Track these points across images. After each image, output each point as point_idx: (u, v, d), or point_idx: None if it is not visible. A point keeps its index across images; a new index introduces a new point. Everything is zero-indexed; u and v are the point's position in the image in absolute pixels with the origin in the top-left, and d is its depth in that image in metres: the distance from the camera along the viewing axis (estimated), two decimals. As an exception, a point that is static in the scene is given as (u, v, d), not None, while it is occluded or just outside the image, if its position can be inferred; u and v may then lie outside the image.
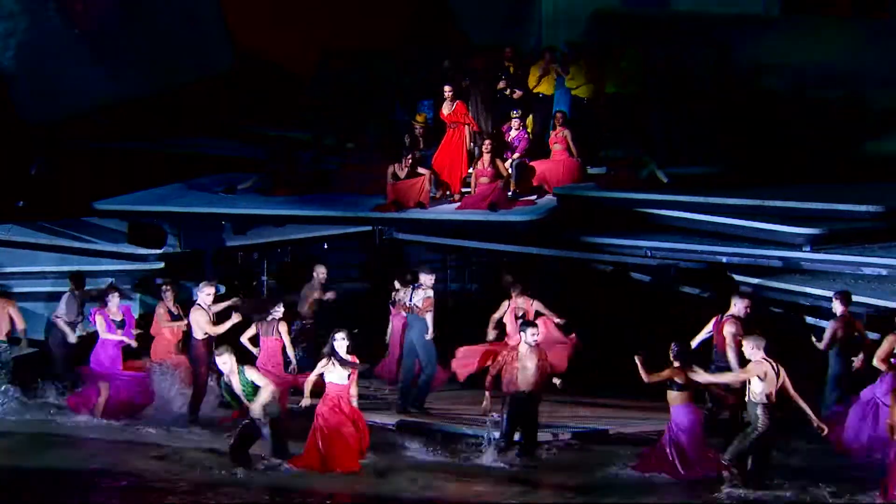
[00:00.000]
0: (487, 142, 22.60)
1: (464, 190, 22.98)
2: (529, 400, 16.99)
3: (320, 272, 20.78)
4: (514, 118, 23.15)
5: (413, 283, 19.56)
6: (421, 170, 22.76)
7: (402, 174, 22.65)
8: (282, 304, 18.90)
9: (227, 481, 15.91)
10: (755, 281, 20.53)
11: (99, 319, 19.12)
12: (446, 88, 23.16)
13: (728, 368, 16.82)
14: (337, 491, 15.71)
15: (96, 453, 17.25)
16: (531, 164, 23.05)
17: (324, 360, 16.52)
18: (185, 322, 19.07)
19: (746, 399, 15.40)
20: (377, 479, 16.14)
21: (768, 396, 15.19)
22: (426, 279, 19.42)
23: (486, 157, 22.53)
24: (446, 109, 23.23)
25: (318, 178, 24.03)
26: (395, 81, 25.68)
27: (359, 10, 27.07)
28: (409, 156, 22.71)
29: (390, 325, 20.49)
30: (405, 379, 19.53)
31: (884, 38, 24.64)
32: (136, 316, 20.00)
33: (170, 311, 19.24)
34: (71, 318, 20.00)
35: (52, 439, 17.81)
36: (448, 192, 23.07)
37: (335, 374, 16.46)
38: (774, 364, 15.28)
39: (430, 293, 19.34)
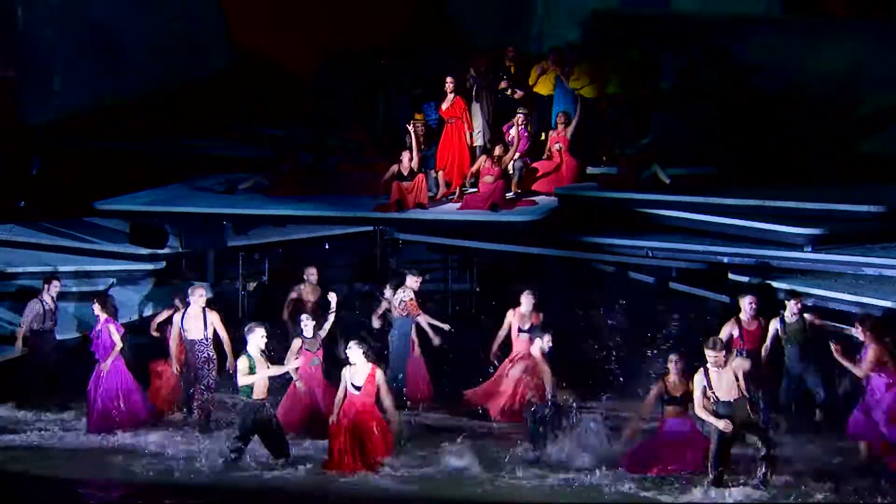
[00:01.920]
0: (499, 147, 22.61)
1: (465, 189, 23.02)
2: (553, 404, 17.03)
3: (310, 273, 20.72)
4: (520, 113, 23.14)
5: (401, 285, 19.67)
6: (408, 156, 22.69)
7: (405, 172, 22.64)
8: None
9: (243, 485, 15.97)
10: (756, 281, 20.54)
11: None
12: (448, 80, 23.14)
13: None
14: (355, 493, 15.77)
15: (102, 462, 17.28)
16: (532, 164, 23.09)
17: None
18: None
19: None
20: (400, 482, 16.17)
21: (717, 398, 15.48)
22: (411, 282, 19.49)
23: (497, 155, 22.53)
24: (445, 104, 23.24)
25: (319, 178, 24.02)
26: (395, 81, 25.69)
27: (359, 10, 27.06)
28: (409, 155, 22.70)
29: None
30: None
31: (884, 38, 24.67)
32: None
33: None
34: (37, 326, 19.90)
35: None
36: (449, 191, 23.09)
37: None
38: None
39: (410, 295, 19.41)
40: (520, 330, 19.20)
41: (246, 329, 16.80)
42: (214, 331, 18.76)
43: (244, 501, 15.67)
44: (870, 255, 20.41)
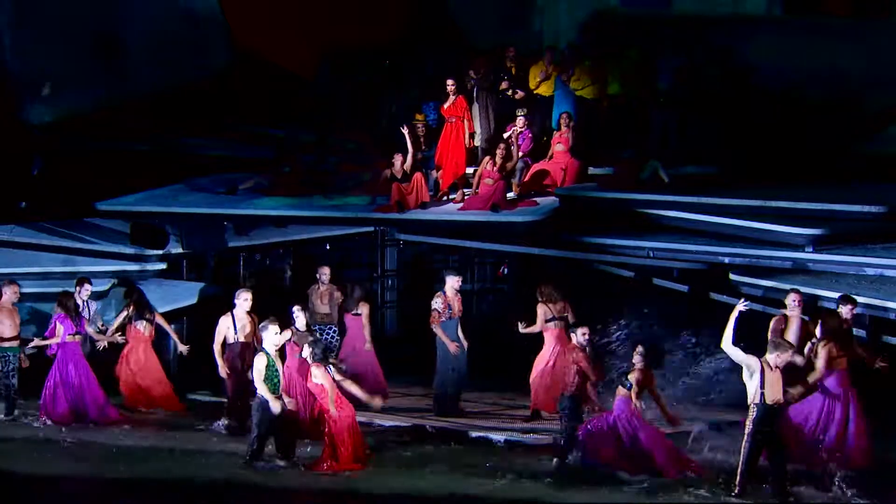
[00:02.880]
0: (502, 145, 22.58)
1: (466, 190, 22.99)
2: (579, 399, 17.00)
3: (323, 273, 20.57)
4: (520, 116, 23.17)
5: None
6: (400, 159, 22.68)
7: (398, 175, 22.61)
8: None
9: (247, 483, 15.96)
10: (758, 282, 20.56)
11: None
12: (449, 82, 23.13)
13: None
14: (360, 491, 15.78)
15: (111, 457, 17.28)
16: (534, 164, 23.09)
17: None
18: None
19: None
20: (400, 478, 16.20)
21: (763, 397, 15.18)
22: (452, 282, 19.40)
23: (499, 160, 22.46)
24: (447, 103, 23.22)
25: (320, 179, 24.02)
26: (400, 81, 25.70)
27: (359, 10, 27.06)
28: (401, 158, 22.66)
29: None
30: (443, 384, 19.49)
31: (885, 38, 24.67)
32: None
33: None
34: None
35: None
36: (444, 189, 23.09)
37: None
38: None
39: (439, 303, 19.37)
40: (546, 320, 19.15)
41: (260, 326, 16.73)
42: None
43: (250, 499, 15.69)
44: (871, 256, 20.45)
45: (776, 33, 25.25)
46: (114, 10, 26.89)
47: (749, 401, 15.15)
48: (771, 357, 15.18)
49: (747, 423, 15.12)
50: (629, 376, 16.28)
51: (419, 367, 21.15)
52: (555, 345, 18.99)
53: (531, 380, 19.10)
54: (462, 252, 23.50)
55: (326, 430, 16.41)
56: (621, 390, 16.26)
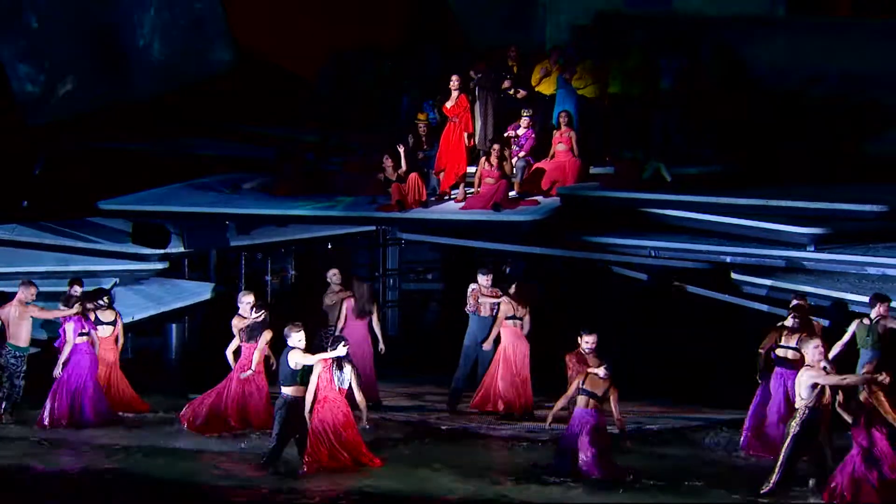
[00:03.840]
0: (497, 146, 22.55)
1: (468, 189, 22.99)
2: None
3: (332, 275, 20.34)
4: (525, 116, 23.18)
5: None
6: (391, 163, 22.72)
7: (392, 178, 22.60)
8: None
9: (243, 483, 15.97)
10: (760, 281, 20.57)
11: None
12: (453, 77, 23.10)
13: None
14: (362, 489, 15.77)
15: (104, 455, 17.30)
16: (535, 164, 23.09)
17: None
18: None
19: None
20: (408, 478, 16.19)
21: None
22: (482, 279, 19.47)
23: (495, 160, 22.42)
24: (449, 102, 23.21)
25: (323, 178, 24.01)
26: (397, 81, 25.72)
27: (361, 11, 27.10)
28: (391, 162, 22.66)
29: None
30: (459, 379, 19.51)
31: (888, 39, 24.69)
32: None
33: None
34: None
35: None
36: (445, 188, 23.10)
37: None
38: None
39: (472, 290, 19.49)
40: (507, 317, 19.29)
41: (285, 332, 16.61)
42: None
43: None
44: (873, 255, 20.44)
45: (778, 33, 25.27)
46: (115, 10, 26.90)
47: (798, 404, 14.91)
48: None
49: (793, 424, 14.87)
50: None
51: (420, 367, 21.18)
52: (512, 341, 19.12)
53: (499, 383, 19.09)
54: (463, 251, 23.48)
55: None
56: (581, 398, 16.19)
